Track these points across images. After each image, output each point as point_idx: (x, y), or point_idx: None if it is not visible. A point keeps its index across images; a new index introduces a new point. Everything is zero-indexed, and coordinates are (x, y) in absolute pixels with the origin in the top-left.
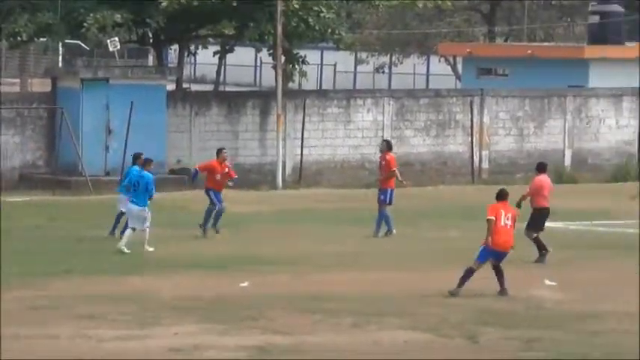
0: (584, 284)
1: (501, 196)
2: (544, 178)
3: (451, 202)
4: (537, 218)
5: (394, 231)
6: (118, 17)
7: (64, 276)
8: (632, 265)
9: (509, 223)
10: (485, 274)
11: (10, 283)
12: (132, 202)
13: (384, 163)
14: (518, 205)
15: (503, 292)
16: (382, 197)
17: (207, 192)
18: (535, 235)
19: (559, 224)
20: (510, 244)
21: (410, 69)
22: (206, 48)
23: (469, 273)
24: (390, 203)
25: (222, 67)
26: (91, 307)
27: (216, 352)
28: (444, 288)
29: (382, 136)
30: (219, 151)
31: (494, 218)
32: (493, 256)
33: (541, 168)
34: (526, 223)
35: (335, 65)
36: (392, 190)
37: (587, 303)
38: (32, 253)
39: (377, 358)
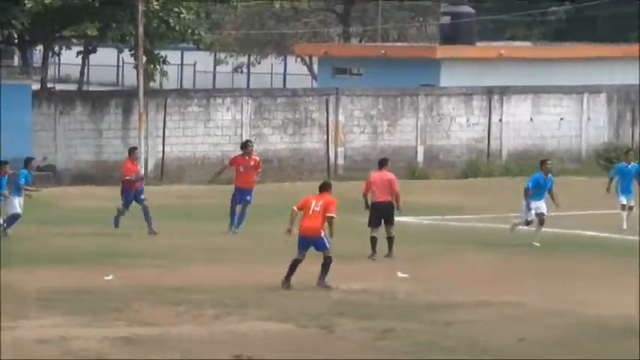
0: (437, 277)
1: (322, 187)
2: (377, 174)
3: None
4: (371, 213)
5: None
6: None
7: None
8: (481, 257)
9: (317, 209)
10: (343, 268)
11: None
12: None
13: (252, 163)
14: (366, 204)
15: (320, 283)
16: (249, 197)
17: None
18: (373, 230)
19: (412, 219)
20: (315, 229)
21: (268, 69)
22: (70, 49)
23: (295, 263)
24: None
25: (86, 67)
26: None
27: (83, 343)
28: (299, 280)
29: (241, 135)
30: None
31: (295, 209)
32: (303, 242)
33: (381, 164)
34: None
35: (195, 65)
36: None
37: (440, 294)
38: None
39: (237, 348)
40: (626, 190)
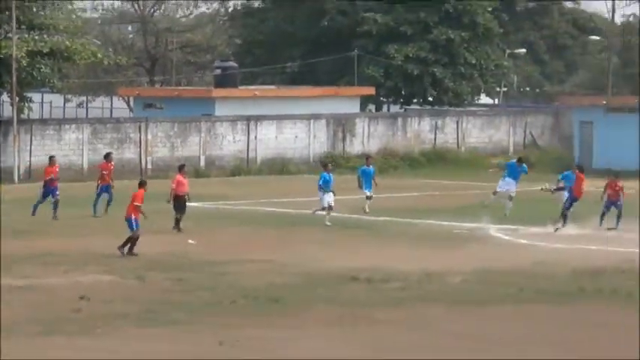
0: (215, 243)
1: (140, 184)
2: (180, 176)
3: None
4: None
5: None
6: None
7: None
8: (245, 230)
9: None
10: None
11: None
12: None
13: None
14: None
15: (120, 250)
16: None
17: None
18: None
19: (199, 204)
20: (127, 213)
21: (100, 105)
22: None
23: (134, 239)
24: None
25: None
26: None
27: None
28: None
29: (82, 149)
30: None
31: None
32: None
33: (180, 168)
34: None
35: (50, 102)
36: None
37: (217, 255)
38: None
39: (81, 292)
40: (367, 185)
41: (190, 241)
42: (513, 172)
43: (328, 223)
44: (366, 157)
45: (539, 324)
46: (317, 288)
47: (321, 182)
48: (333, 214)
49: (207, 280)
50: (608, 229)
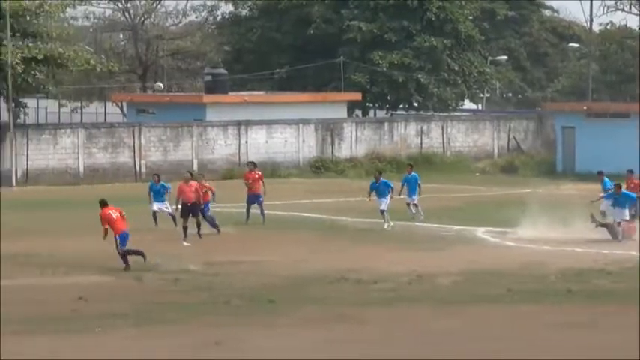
0: (209, 245)
1: (104, 203)
2: (183, 185)
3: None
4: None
5: None
6: None
7: None
8: (236, 231)
9: (117, 214)
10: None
11: None
12: None
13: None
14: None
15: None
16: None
17: None
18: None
19: None
20: (124, 227)
21: (94, 110)
22: None
23: (139, 252)
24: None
25: None
26: None
27: None
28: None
29: (78, 153)
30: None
31: (110, 220)
32: (122, 237)
33: (187, 177)
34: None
35: (46, 108)
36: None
37: (212, 256)
38: None
39: (80, 292)
40: (412, 192)
41: (185, 243)
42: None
43: (387, 228)
44: (409, 165)
45: (528, 324)
46: (308, 288)
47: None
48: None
49: (202, 281)
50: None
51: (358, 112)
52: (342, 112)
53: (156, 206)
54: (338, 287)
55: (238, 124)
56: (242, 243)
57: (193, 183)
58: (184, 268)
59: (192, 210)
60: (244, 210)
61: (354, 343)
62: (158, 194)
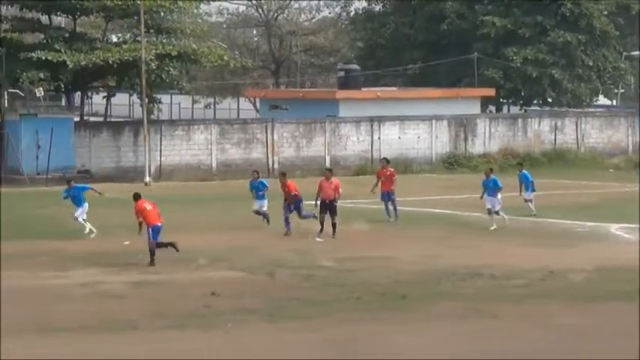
0: (342, 241)
1: (137, 196)
2: (323, 181)
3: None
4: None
5: None
6: (41, 75)
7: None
8: (367, 227)
9: (151, 207)
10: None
11: None
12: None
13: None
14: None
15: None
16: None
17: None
18: (321, 217)
19: None
20: (157, 221)
21: (227, 106)
22: (98, 93)
23: (170, 245)
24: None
25: (109, 105)
26: (27, 259)
27: (109, 285)
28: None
29: (211, 149)
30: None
31: (144, 212)
32: (155, 230)
33: (327, 174)
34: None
35: (179, 104)
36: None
37: (345, 252)
38: None
39: (212, 288)
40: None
41: (318, 239)
42: None
43: (498, 226)
44: (519, 163)
45: None
46: (440, 284)
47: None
48: (465, 213)
49: (334, 277)
50: None
51: (491, 107)
52: (475, 108)
53: (257, 204)
54: (471, 283)
55: (371, 120)
56: (374, 239)
57: (334, 180)
58: (317, 264)
59: (331, 207)
60: (377, 206)
61: (487, 339)
62: (257, 191)
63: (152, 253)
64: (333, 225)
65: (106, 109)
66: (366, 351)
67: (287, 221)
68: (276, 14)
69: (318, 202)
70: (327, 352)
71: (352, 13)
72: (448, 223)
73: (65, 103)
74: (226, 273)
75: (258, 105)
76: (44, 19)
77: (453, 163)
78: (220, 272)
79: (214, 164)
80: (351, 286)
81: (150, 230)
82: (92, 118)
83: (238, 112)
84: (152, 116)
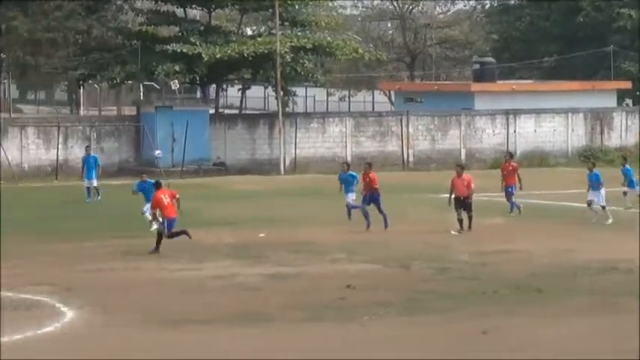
0: (474, 234)
1: (158, 185)
2: (456, 179)
3: (390, 183)
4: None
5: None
6: (176, 67)
7: (146, 231)
8: (500, 221)
9: (168, 200)
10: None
11: (103, 235)
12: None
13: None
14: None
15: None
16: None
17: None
18: (458, 214)
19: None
20: (173, 214)
21: (361, 99)
22: (232, 86)
23: (183, 233)
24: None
25: (244, 98)
26: (164, 251)
27: (244, 278)
28: (383, 238)
29: (346, 142)
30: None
31: (161, 204)
32: (169, 223)
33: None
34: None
35: (314, 97)
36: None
37: (478, 245)
38: (121, 217)
39: (347, 280)
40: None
41: (453, 232)
42: None
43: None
44: (623, 157)
45: None
46: (576, 278)
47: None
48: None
49: (469, 270)
50: None
51: (628, 101)
52: (611, 101)
53: (349, 197)
54: (608, 277)
55: (506, 112)
56: (509, 232)
57: (465, 176)
58: (452, 257)
59: (464, 204)
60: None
61: (625, 334)
62: (347, 184)
63: (159, 241)
64: (470, 218)
65: (241, 101)
66: (501, 345)
67: (366, 215)
68: (410, 7)
69: (452, 198)
70: (461, 345)
71: (487, 6)
72: (582, 217)
73: (200, 95)
74: (361, 266)
75: (392, 98)
76: (179, 12)
77: (588, 156)
78: (355, 265)
79: (349, 157)
80: (486, 280)
81: (165, 222)
82: (227, 111)
83: (373, 104)
84: (287, 109)
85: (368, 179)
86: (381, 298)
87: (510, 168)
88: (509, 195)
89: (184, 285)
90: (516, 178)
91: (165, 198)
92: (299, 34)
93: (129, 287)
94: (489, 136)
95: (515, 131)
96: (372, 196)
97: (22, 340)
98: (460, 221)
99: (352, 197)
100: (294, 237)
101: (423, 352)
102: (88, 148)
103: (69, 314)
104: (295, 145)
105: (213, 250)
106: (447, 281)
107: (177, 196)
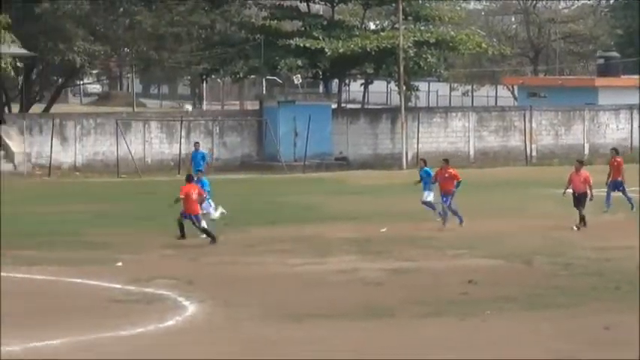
0: (594, 229)
1: (188, 179)
2: (573, 174)
3: (512, 178)
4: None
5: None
6: (299, 62)
7: (269, 226)
8: (620, 217)
9: (196, 196)
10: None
11: (225, 230)
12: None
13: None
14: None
15: (213, 240)
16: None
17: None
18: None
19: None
20: (195, 210)
21: (484, 93)
22: (355, 81)
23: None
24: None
25: (366, 93)
26: (286, 245)
27: (366, 272)
28: (507, 232)
29: (469, 137)
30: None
31: (183, 196)
32: (197, 217)
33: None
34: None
35: (437, 91)
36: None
37: (600, 241)
38: (245, 212)
39: (468, 275)
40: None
41: (574, 227)
42: None
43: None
44: None
45: None
46: None
47: None
48: None
49: (592, 266)
50: None
51: None
52: None
53: (425, 195)
54: None
55: (630, 108)
56: (631, 228)
57: (583, 172)
58: (574, 253)
59: (579, 199)
60: (635, 196)
61: None
62: (423, 181)
63: (182, 228)
64: (580, 214)
65: (364, 96)
66: (619, 341)
67: (452, 212)
68: (534, 1)
69: (567, 192)
70: (581, 340)
71: (612, 1)
72: None
73: (323, 90)
74: (482, 261)
75: (516, 92)
76: (302, 6)
77: None
78: (476, 260)
79: (472, 152)
80: (609, 276)
81: (189, 215)
82: (349, 105)
83: (496, 99)
84: (409, 103)
85: (447, 174)
86: (504, 293)
87: (615, 164)
88: (620, 190)
89: (306, 280)
90: (621, 173)
91: (193, 193)
92: (422, 28)
93: (251, 281)
94: (613, 131)
95: (639, 126)
96: (446, 195)
97: (143, 333)
98: (581, 216)
99: (427, 194)
100: (416, 232)
101: (543, 349)
102: (197, 144)
103: (190, 308)
104: (417, 139)
105: (335, 245)
106: (570, 276)
107: (204, 195)
